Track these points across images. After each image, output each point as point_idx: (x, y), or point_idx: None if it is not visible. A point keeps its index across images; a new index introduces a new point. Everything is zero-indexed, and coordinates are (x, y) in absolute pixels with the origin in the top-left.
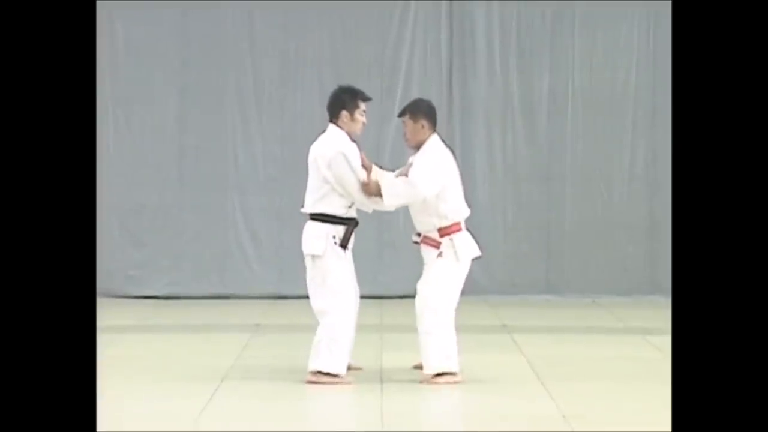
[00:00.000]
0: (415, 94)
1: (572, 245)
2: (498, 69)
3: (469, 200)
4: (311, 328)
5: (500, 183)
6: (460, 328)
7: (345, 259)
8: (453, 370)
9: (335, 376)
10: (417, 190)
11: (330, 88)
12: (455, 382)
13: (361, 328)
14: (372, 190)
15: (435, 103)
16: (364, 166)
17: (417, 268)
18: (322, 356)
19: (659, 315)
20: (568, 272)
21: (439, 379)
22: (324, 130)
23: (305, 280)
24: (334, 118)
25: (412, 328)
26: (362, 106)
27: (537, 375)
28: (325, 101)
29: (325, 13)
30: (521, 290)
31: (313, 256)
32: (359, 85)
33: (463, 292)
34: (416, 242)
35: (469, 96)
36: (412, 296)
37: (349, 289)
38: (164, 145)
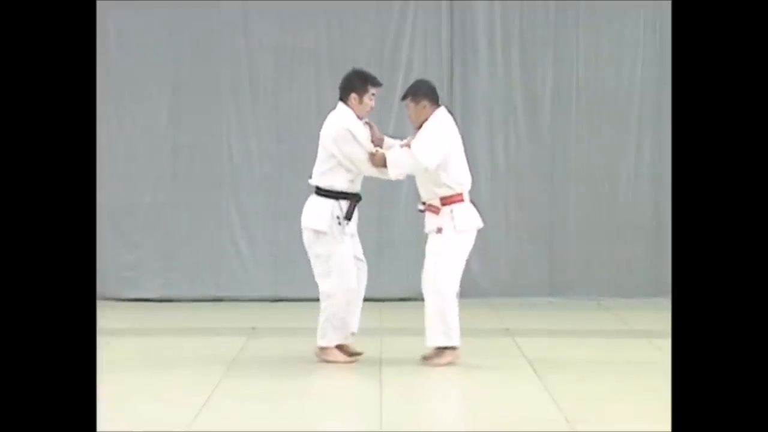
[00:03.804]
0: None
1: (576, 246)
2: (500, 64)
3: (471, 195)
4: (308, 330)
5: (502, 181)
6: (462, 331)
7: (347, 237)
8: (453, 345)
9: (334, 348)
10: (419, 160)
11: (327, 84)
12: (455, 358)
13: (360, 330)
14: (378, 162)
15: None
16: (376, 138)
17: (417, 270)
18: (325, 334)
19: (664, 317)
20: (572, 273)
21: (441, 358)
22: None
23: (302, 282)
24: (344, 98)
25: (412, 331)
26: (371, 90)
27: (540, 378)
28: (322, 97)
29: (322, 7)
30: (524, 292)
31: (317, 232)
32: None
33: (465, 295)
34: (421, 210)
35: (471, 91)
36: (412, 299)
37: (350, 269)
38: (157, 142)
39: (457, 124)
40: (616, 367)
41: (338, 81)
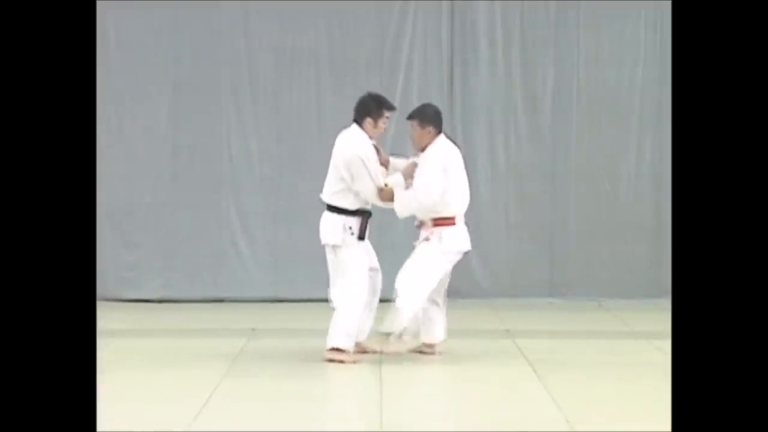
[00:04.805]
0: (415, 90)
1: (577, 246)
2: (500, 64)
3: (471, 199)
4: (309, 332)
5: (503, 182)
6: (462, 332)
7: (361, 249)
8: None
9: (343, 351)
10: (422, 202)
11: (327, 83)
12: (440, 352)
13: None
14: (386, 197)
15: (436, 99)
16: (383, 160)
17: None
18: (334, 335)
19: (665, 318)
20: (573, 274)
21: (398, 344)
22: (342, 127)
23: (302, 282)
24: (358, 120)
25: (412, 331)
26: (386, 114)
27: (540, 379)
28: (322, 97)
29: (322, 7)
30: (524, 293)
31: (333, 246)
32: (358, 80)
33: (466, 295)
34: (418, 226)
35: (471, 91)
36: None
37: (363, 278)
38: (157, 143)
39: (457, 128)
40: (617, 367)
41: (338, 81)
